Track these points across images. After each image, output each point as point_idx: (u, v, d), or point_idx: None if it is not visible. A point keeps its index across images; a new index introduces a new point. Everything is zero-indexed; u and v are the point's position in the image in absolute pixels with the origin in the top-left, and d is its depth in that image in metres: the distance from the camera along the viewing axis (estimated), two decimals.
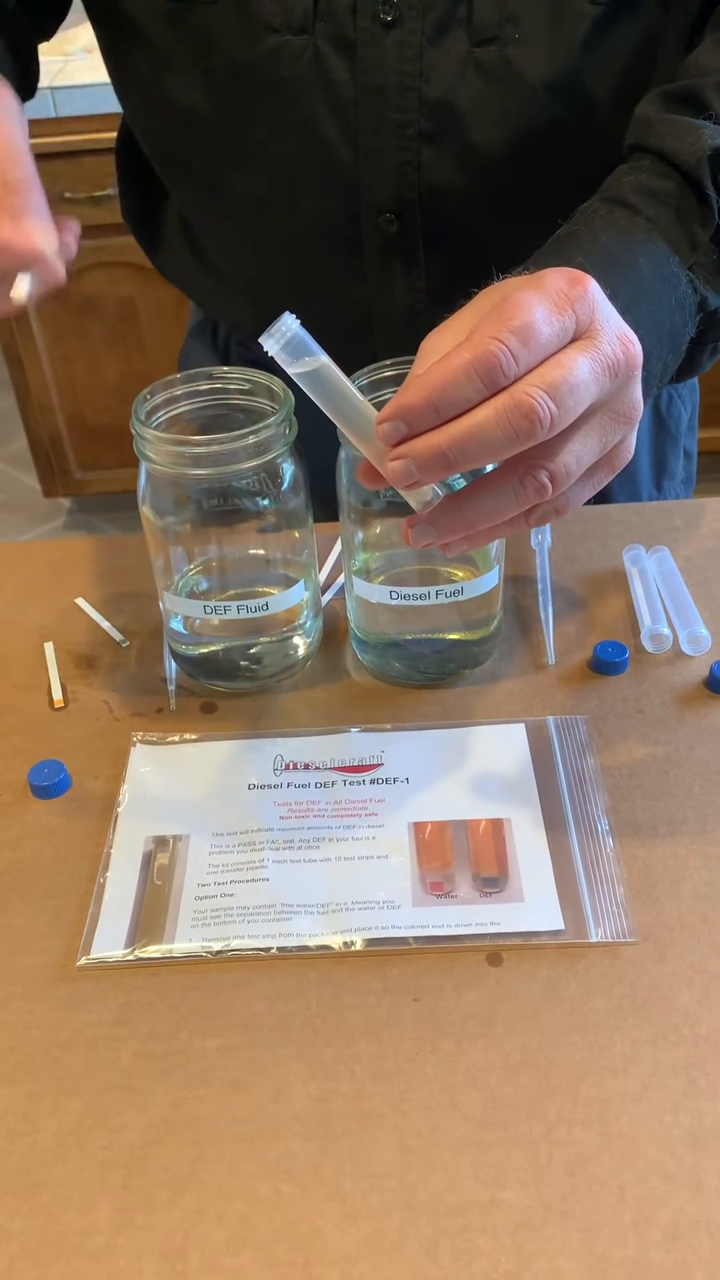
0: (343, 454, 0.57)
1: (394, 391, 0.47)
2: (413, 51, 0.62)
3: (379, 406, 0.45)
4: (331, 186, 0.67)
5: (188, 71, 0.66)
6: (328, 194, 0.68)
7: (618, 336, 0.44)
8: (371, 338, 0.73)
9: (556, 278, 0.44)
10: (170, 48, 0.66)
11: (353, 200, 0.68)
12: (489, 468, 0.46)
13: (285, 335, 0.43)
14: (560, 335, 0.43)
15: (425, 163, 0.65)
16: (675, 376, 0.59)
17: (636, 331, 0.46)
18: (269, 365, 0.59)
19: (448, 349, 0.43)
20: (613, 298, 0.47)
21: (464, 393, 0.42)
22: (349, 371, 0.53)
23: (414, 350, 0.47)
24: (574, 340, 0.44)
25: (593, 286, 0.44)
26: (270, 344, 0.44)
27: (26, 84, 0.71)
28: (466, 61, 0.62)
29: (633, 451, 0.48)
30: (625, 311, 0.48)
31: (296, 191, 0.68)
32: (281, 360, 0.44)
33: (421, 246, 0.69)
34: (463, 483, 0.48)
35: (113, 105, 0.79)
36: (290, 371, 0.45)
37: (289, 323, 0.44)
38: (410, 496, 0.46)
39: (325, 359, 0.45)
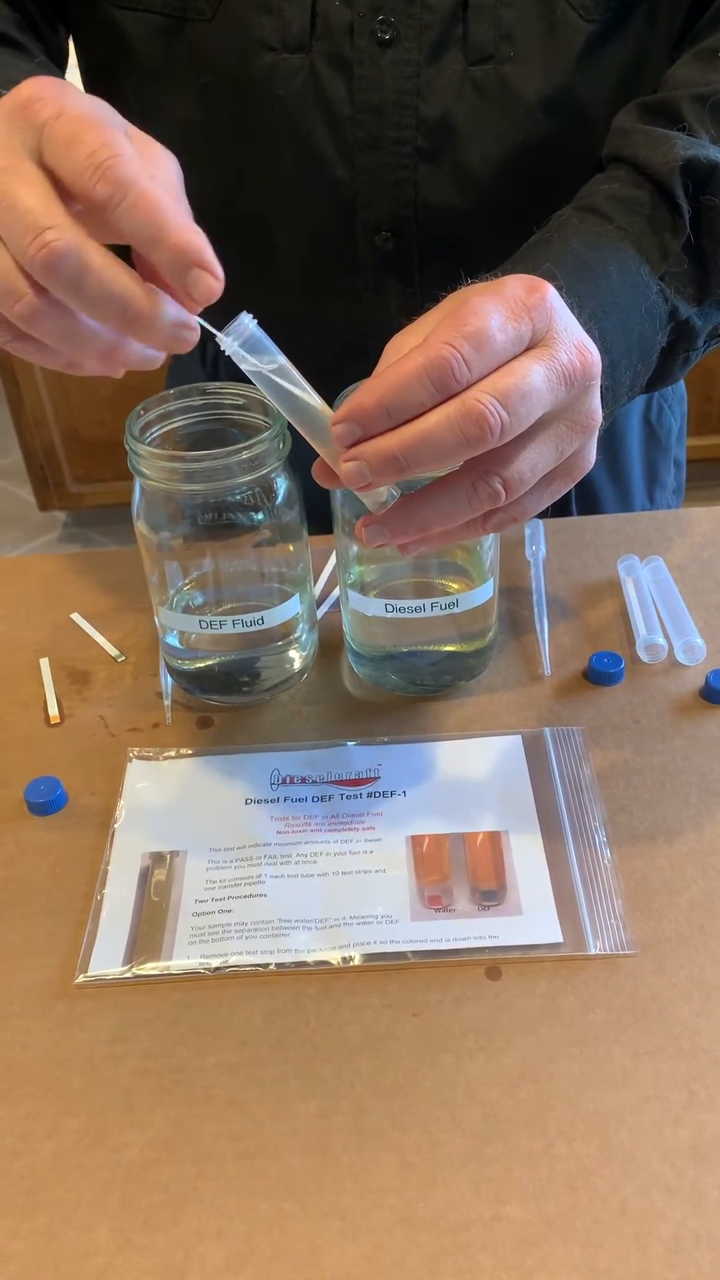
0: None
1: None
2: (410, 70, 0.63)
3: None
4: (327, 204, 0.67)
5: (181, 89, 0.66)
6: (323, 212, 0.68)
7: (575, 345, 0.44)
8: (366, 355, 0.73)
9: (515, 284, 0.44)
10: (163, 65, 0.66)
11: (349, 218, 0.68)
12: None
13: (242, 334, 0.43)
14: (515, 342, 0.42)
15: (422, 180, 0.65)
16: (647, 386, 0.59)
17: (605, 340, 0.46)
18: None
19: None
20: (582, 305, 0.47)
21: (416, 396, 0.41)
22: (340, 388, 0.53)
23: None
24: (530, 348, 0.43)
25: (551, 294, 0.44)
26: (226, 343, 0.44)
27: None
28: (463, 80, 0.62)
29: (593, 461, 0.48)
30: (594, 319, 0.48)
31: (292, 209, 0.68)
32: (238, 359, 0.44)
33: (417, 264, 0.69)
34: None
35: None
36: (246, 371, 0.45)
37: (246, 322, 0.43)
38: (366, 497, 0.46)
39: (282, 359, 0.45)
